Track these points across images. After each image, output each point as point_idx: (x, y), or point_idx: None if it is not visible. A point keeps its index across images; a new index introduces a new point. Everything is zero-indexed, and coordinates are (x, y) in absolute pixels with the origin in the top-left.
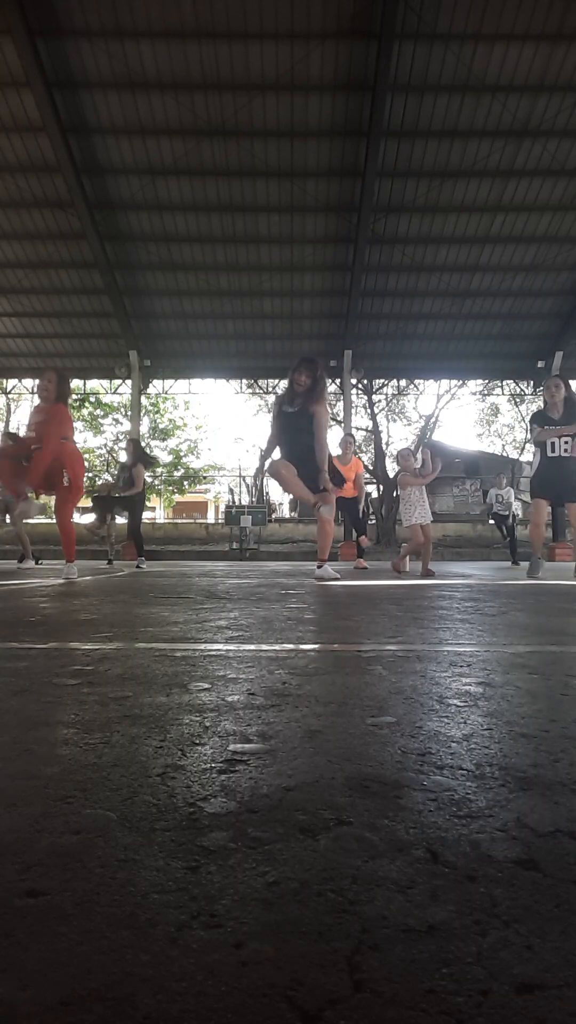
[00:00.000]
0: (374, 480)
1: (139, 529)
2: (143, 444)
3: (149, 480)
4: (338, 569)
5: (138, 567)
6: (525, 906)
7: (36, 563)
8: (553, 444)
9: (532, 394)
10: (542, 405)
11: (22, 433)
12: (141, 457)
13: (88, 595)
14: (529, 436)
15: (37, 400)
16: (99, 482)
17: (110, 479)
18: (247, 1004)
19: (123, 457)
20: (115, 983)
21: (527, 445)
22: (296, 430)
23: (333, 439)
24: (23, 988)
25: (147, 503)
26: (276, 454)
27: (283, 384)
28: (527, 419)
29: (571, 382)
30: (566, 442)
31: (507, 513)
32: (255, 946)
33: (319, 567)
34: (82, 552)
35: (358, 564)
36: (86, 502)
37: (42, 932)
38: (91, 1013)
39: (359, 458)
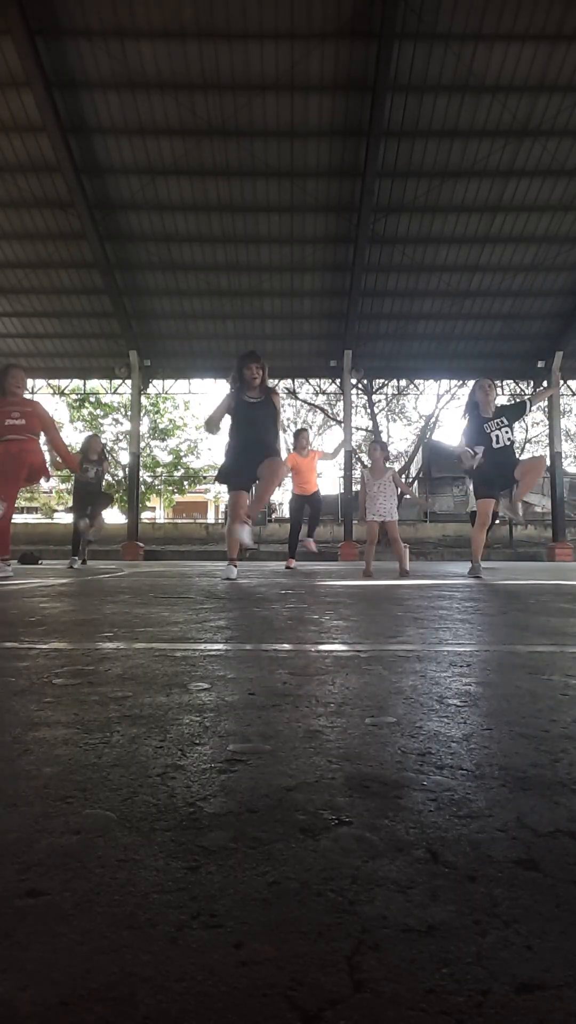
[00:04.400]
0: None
1: (76, 526)
2: (143, 444)
3: (149, 480)
4: (336, 570)
5: (71, 566)
6: (525, 906)
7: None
8: (497, 436)
9: (532, 394)
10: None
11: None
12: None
13: (88, 595)
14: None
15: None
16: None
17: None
18: (247, 1004)
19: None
20: (115, 983)
21: (525, 445)
22: (263, 418)
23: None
24: (23, 988)
25: (116, 502)
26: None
27: (282, 384)
28: (465, 411)
29: (571, 382)
30: (507, 431)
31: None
32: (255, 946)
33: (241, 525)
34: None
35: (307, 545)
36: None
37: (42, 932)
38: (91, 1013)
39: (316, 451)
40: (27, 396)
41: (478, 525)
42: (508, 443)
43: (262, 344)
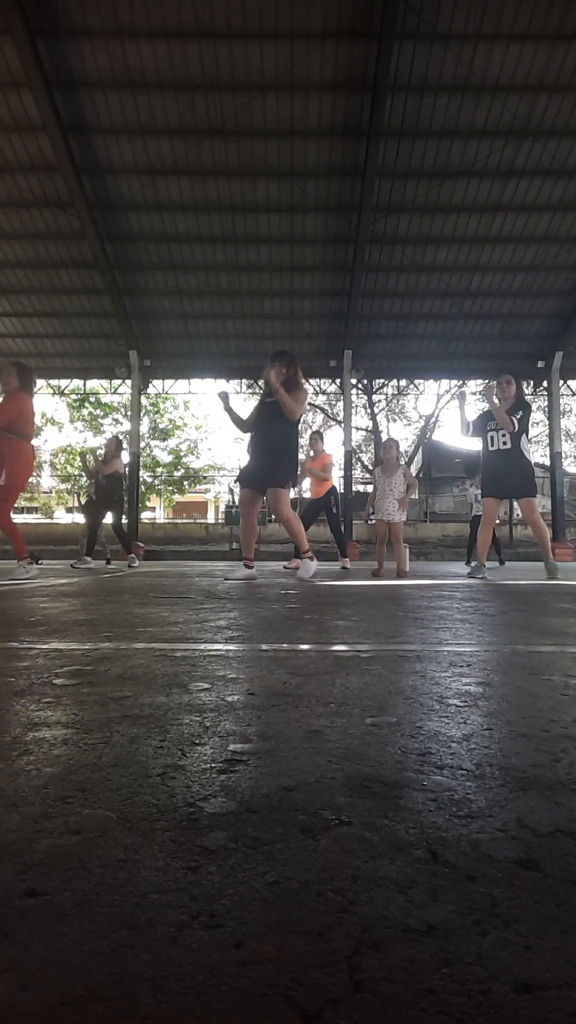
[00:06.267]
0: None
1: (121, 527)
2: (143, 444)
3: (149, 480)
4: (336, 570)
5: (130, 566)
6: (525, 906)
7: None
8: (492, 438)
9: (532, 394)
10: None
11: None
12: (118, 453)
13: (88, 595)
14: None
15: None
16: (85, 482)
17: (92, 480)
18: (247, 1004)
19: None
20: (115, 983)
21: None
22: (272, 419)
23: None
24: (23, 988)
25: (126, 502)
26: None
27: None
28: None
29: (571, 382)
30: (504, 435)
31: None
32: (255, 946)
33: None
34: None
35: (343, 563)
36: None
37: (42, 932)
38: (91, 1013)
39: (328, 453)
40: (23, 392)
41: (483, 523)
42: (503, 446)
43: (262, 344)
